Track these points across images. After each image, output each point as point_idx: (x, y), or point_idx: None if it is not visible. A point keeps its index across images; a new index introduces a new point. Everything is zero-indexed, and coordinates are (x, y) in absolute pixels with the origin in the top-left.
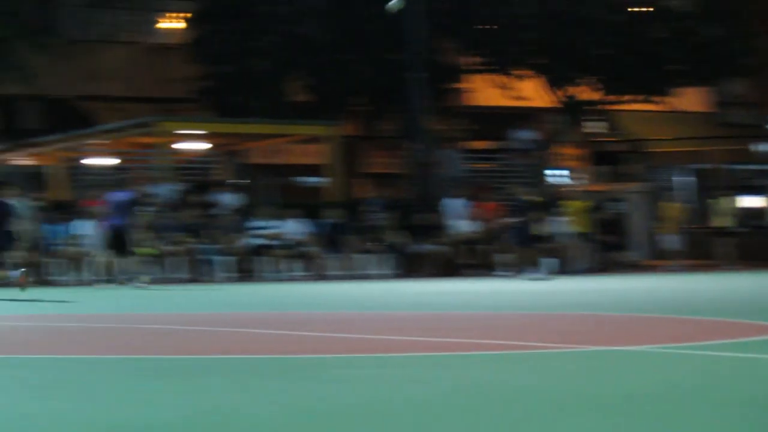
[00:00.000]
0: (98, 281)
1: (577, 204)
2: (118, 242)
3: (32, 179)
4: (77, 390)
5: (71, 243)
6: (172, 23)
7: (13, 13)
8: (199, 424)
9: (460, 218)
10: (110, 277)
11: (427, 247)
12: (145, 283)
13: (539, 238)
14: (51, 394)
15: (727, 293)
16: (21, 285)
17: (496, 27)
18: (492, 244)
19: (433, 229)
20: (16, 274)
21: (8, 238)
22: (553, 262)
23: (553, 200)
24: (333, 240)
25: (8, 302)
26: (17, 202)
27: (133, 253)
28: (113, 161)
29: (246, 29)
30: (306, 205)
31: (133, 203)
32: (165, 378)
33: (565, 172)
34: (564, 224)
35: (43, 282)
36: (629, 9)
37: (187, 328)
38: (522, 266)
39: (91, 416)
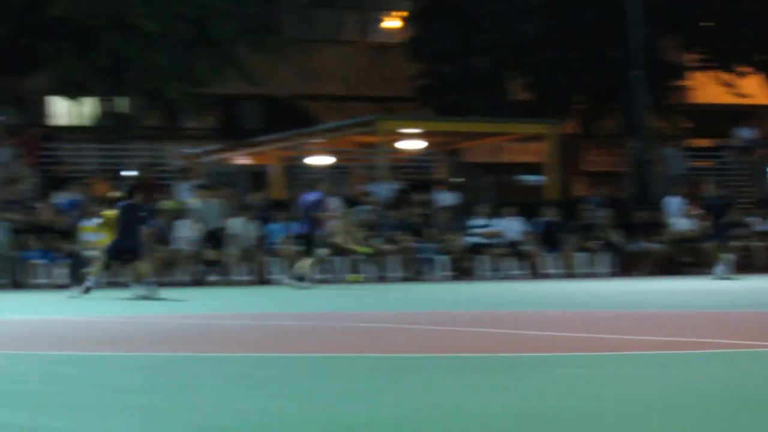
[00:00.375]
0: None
1: None
2: (306, 244)
3: (251, 179)
4: (296, 388)
5: (288, 242)
6: (392, 22)
7: (234, 14)
8: (419, 421)
9: (679, 216)
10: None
11: (645, 245)
12: (305, 285)
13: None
14: (270, 392)
15: None
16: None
17: (716, 24)
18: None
19: (651, 227)
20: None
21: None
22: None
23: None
24: (549, 238)
25: (230, 301)
26: (203, 202)
27: (312, 256)
28: (330, 160)
29: (465, 27)
30: (524, 203)
31: (317, 205)
32: (383, 376)
33: None
34: None
35: (263, 281)
36: None
37: (406, 326)
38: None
39: (309, 414)
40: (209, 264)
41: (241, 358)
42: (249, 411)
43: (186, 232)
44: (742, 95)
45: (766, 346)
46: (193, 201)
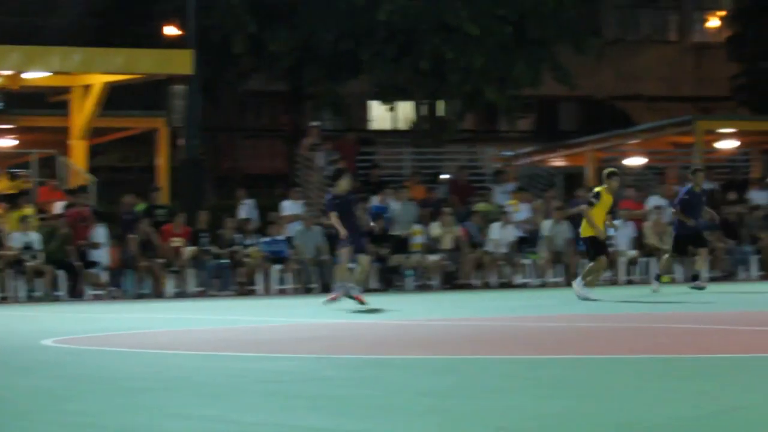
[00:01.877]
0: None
1: None
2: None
3: (565, 180)
4: (589, 389)
5: None
6: (712, 22)
7: (554, 15)
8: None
9: None
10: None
11: None
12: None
13: None
14: (564, 393)
15: None
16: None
17: None
18: None
19: None
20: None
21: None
22: None
23: None
24: None
25: (539, 303)
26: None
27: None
28: (644, 161)
29: None
30: None
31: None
32: (702, 377)
33: None
34: None
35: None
36: None
37: (719, 327)
38: None
39: (600, 415)
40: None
41: (546, 360)
42: (542, 414)
43: (499, 235)
44: None
45: None
46: (508, 204)
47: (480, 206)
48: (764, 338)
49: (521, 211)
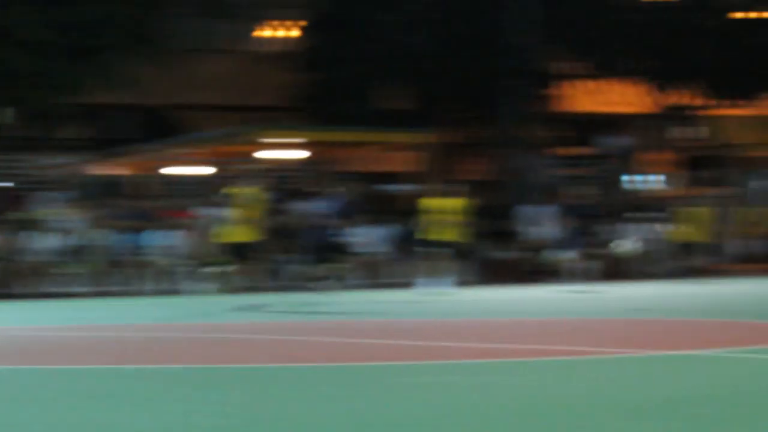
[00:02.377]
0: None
1: (699, 211)
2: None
3: (118, 189)
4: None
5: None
6: (273, 32)
7: (109, 22)
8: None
9: (539, 225)
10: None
11: (506, 254)
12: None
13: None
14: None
15: None
16: None
17: (595, 33)
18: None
19: (514, 236)
20: None
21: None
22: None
23: (634, 205)
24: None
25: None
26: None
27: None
28: (201, 170)
29: (347, 38)
30: (395, 212)
31: None
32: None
33: (656, 178)
34: (651, 230)
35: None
36: (730, 15)
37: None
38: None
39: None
40: (69, 276)
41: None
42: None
43: (40, 243)
44: (617, 104)
45: (597, 353)
46: (50, 212)
47: (17, 215)
48: (303, 346)
49: (71, 220)
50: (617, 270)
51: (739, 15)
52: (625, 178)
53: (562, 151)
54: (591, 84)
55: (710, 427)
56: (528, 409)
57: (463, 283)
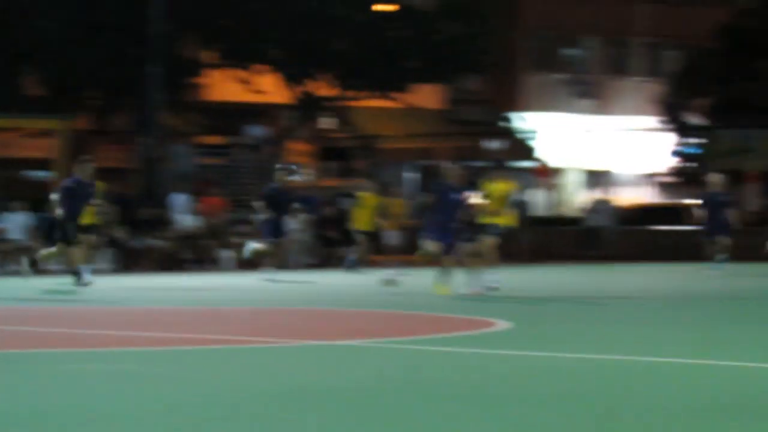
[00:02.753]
0: None
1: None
2: None
3: None
4: None
5: None
6: None
7: None
8: None
9: (184, 213)
10: None
11: (148, 242)
12: None
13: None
14: None
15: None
16: None
17: (235, 22)
18: (216, 239)
19: (157, 224)
20: None
21: None
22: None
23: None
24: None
25: None
26: None
27: None
28: None
29: None
30: (32, 198)
31: None
32: None
33: (297, 168)
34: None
35: None
36: (372, 7)
37: None
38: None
39: None
40: None
41: None
42: None
43: None
44: (258, 93)
45: (248, 342)
46: None
47: None
48: None
49: None
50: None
51: (379, 7)
52: (272, 167)
53: (207, 140)
54: (235, 73)
55: (378, 414)
56: (165, 399)
57: (102, 270)
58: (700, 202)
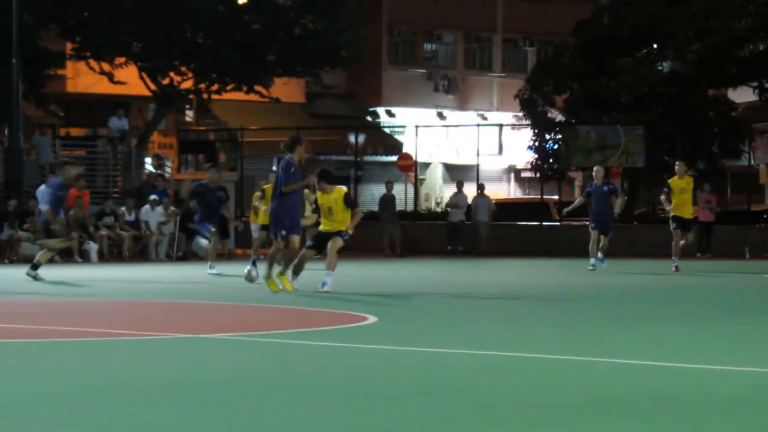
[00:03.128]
0: None
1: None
2: None
3: None
4: None
5: None
6: None
7: None
8: None
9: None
10: None
11: (14, 232)
12: None
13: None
14: None
15: (306, 282)
16: None
17: (94, 13)
18: (81, 232)
19: (23, 215)
20: None
21: None
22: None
23: (145, 188)
24: None
25: None
26: None
27: None
28: None
29: None
30: None
31: None
32: None
33: (164, 160)
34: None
35: None
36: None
37: None
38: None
39: None
40: None
41: None
42: None
43: None
44: (120, 85)
45: (108, 335)
46: None
47: None
48: None
49: None
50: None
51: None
52: (137, 160)
53: (69, 131)
54: (96, 65)
55: (245, 407)
56: (31, 389)
57: None
58: (583, 195)
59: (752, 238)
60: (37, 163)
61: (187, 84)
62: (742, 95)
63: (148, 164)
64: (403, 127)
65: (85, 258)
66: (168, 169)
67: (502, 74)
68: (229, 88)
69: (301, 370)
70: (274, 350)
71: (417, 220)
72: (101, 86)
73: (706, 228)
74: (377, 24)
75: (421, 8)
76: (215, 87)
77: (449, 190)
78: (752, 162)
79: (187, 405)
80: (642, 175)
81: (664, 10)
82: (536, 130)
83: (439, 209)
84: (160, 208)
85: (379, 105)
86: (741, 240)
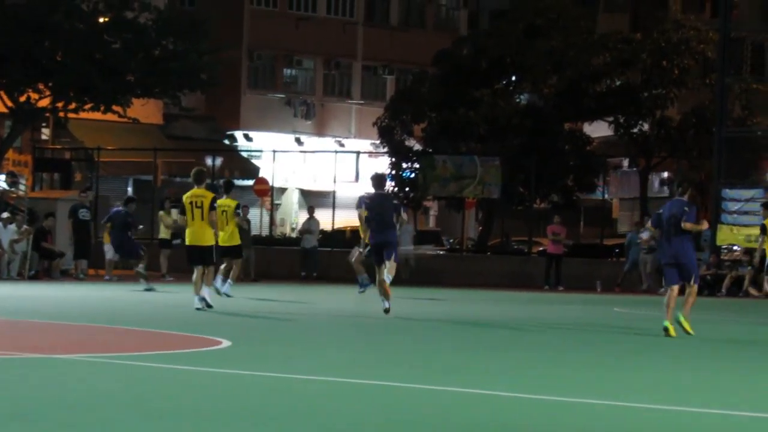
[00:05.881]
0: None
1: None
2: None
3: None
4: None
5: None
6: None
7: None
8: None
9: None
10: None
11: None
12: None
13: None
14: None
15: (166, 306)
16: None
17: None
18: None
19: None
20: None
21: None
22: None
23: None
24: None
25: None
26: None
27: None
28: None
29: None
30: None
31: None
32: None
33: (14, 178)
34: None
35: None
36: (92, 18)
37: None
38: None
39: None
40: None
41: None
42: None
43: None
44: None
45: None
46: None
47: None
48: None
49: None
50: None
51: (102, 19)
52: None
53: None
54: None
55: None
56: None
57: None
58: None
59: (604, 272)
60: None
61: (45, 102)
62: (598, 130)
63: (2, 181)
64: (261, 151)
65: None
66: (22, 187)
67: (361, 101)
68: (86, 107)
69: (152, 393)
70: (125, 372)
71: (271, 245)
72: None
73: (555, 260)
74: (237, 48)
75: (282, 33)
76: (73, 105)
77: (305, 216)
78: (606, 196)
79: (33, 429)
80: (498, 205)
81: (523, 43)
82: (393, 159)
83: (293, 235)
84: (12, 226)
85: (237, 129)
86: (592, 273)
